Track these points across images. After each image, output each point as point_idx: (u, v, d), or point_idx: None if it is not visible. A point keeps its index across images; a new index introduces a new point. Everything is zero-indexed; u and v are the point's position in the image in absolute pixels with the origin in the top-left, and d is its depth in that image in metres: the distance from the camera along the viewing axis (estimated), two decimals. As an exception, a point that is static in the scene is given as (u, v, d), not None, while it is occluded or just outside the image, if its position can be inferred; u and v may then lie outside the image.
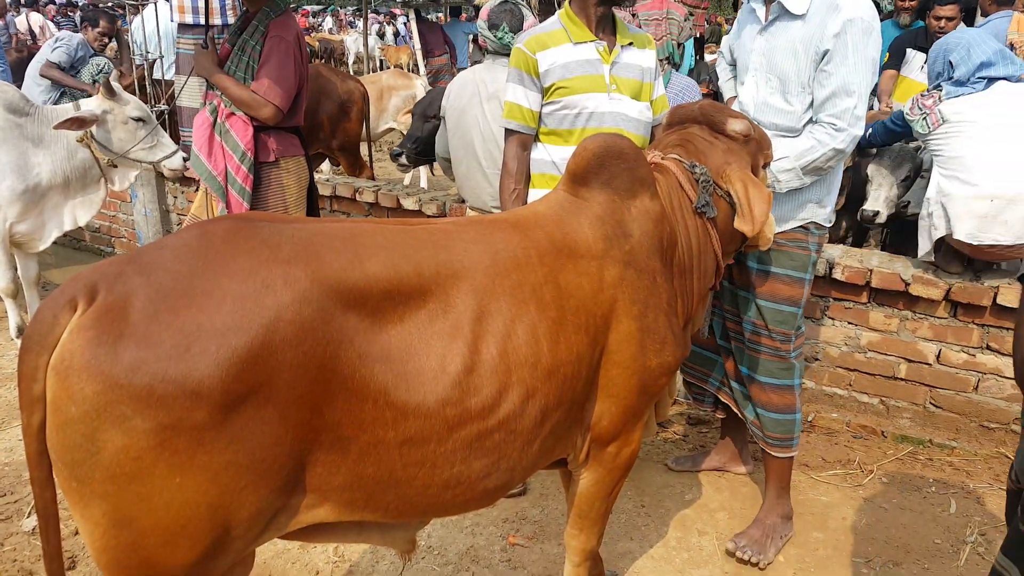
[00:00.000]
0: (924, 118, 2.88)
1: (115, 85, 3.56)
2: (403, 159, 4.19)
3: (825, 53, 2.17)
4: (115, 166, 3.66)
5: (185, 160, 3.71)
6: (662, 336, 1.67)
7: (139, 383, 1.10)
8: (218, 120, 2.98)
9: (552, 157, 2.40)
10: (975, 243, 2.74)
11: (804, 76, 2.24)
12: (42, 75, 5.58)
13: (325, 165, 5.94)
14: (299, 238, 1.28)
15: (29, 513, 2.47)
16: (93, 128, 3.50)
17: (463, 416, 1.36)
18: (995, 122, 2.74)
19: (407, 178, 6.65)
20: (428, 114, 4.11)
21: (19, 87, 4.95)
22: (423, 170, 6.73)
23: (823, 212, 2.40)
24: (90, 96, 3.68)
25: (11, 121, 3.47)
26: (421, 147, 4.11)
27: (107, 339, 1.11)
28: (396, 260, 1.35)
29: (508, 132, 2.42)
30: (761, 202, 1.77)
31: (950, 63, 2.89)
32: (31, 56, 7.62)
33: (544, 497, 2.67)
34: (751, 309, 2.45)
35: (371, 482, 1.32)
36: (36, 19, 9.60)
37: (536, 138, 2.44)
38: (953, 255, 2.91)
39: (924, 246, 2.94)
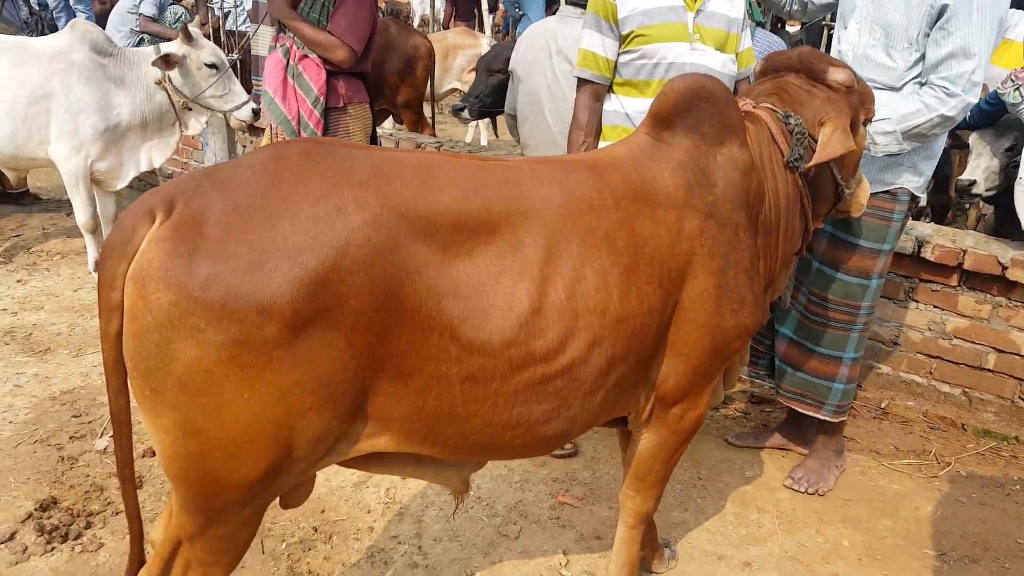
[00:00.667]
0: (1017, 88, 2.67)
1: (193, 30, 3.64)
2: (465, 113, 4.14)
3: (943, 9, 1.99)
4: (190, 109, 3.75)
5: (255, 111, 3.77)
6: (740, 296, 1.58)
7: (212, 296, 1.10)
8: (290, 62, 2.99)
9: (626, 109, 2.30)
10: None
11: (913, 31, 2.07)
12: (141, 31, 5.78)
13: (388, 122, 5.97)
14: (371, 163, 1.26)
15: (102, 433, 2.59)
16: (170, 72, 3.60)
17: (527, 358, 1.32)
18: None
19: (468, 136, 6.60)
20: (492, 68, 4.03)
21: None
22: (484, 129, 6.67)
23: (916, 180, 2.24)
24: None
25: (96, 61, 3.60)
26: (484, 101, 4.05)
27: (183, 251, 1.12)
28: (467, 193, 1.31)
29: (581, 82, 2.32)
30: (839, 145, 1.61)
31: None
32: (114, 7, 7.89)
33: (595, 461, 2.63)
34: (812, 274, 2.35)
35: (432, 416, 1.30)
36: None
37: (609, 89, 2.34)
38: None
39: None
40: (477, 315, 1.28)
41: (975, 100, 2.07)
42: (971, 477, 2.66)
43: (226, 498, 1.22)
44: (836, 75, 1.72)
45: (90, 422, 2.68)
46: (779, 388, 2.54)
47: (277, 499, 1.37)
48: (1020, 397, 2.87)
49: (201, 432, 1.15)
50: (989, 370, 2.90)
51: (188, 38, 3.60)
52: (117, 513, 2.21)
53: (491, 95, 4.05)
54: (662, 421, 1.68)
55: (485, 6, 9.76)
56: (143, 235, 1.15)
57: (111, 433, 2.48)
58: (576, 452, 2.66)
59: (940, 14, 2.02)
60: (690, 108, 1.56)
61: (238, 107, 3.77)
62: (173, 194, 1.18)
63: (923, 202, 3.61)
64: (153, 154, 3.86)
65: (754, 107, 1.72)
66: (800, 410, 2.52)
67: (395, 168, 1.28)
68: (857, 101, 1.76)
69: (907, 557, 2.24)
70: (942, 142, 2.27)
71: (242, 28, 5.86)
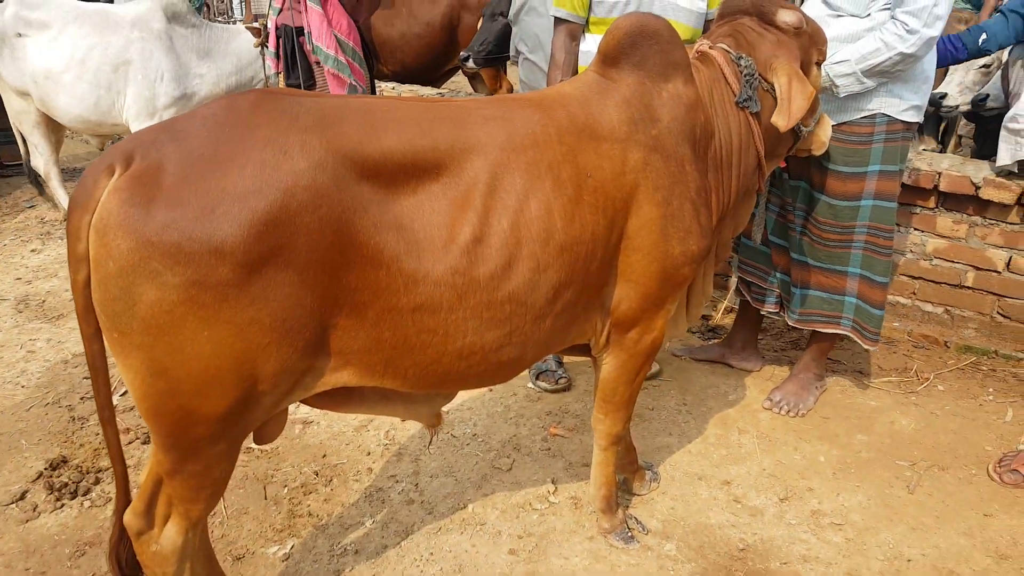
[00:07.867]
0: None
1: None
2: (470, 63, 4.08)
3: None
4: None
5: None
6: (686, 225, 1.63)
7: (168, 241, 1.18)
8: None
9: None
10: None
11: None
12: None
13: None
14: (317, 110, 1.32)
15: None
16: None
17: (471, 284, 1.39)
18: None
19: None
20: (495, 12, 3.99)
21: None
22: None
23: (896, 104, 2.21)
24: None
25: (176, 31, 3.65)
26: (490, 48, 4.00)
27: (140, 200, 1.19)
28: (412, 134, 1.37)
29: (557, 21, 2.34)
30: (801, 97, 1.66)
31: None
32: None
33: (587, 393, 2.72)
34: (802, 197, 2.40)
35: (388, 347, 1.38)
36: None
37: (585, 28, 2.36)
38: None
39: (1004, 158, 2.70)
40: (421, 246, 1.35)
41: (936, 34, 2.03)
42: (948, 391, 2.73)
43: (197, 433, 1.31)
44: (784, 17, 1.75)
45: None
46: (795, 314, 2.53)
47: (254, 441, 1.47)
48: (999, 312, 2.90)
49: (167, 370, 1.24)
50: (969, 287, 2.94)
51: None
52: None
53: (495, 41, 3.99)
54: (620, 345, 1.75)
55: None
56: (103, 188, 1.22)
57: (121, 392, 2.60)
58: (569, 386, 2.75)
59: None
60: (635, 45, 1.59)
61: None
62: (131, 148, 1.25)
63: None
64: None
65: (710, 48, 1.75)
66: (819, 329, 2.51)
67: (341, 113, 1.34)
68: (807, 42, 1.79)
69: (879, 469, 2.32)
70: (930, 64, 2.23)
71: None
